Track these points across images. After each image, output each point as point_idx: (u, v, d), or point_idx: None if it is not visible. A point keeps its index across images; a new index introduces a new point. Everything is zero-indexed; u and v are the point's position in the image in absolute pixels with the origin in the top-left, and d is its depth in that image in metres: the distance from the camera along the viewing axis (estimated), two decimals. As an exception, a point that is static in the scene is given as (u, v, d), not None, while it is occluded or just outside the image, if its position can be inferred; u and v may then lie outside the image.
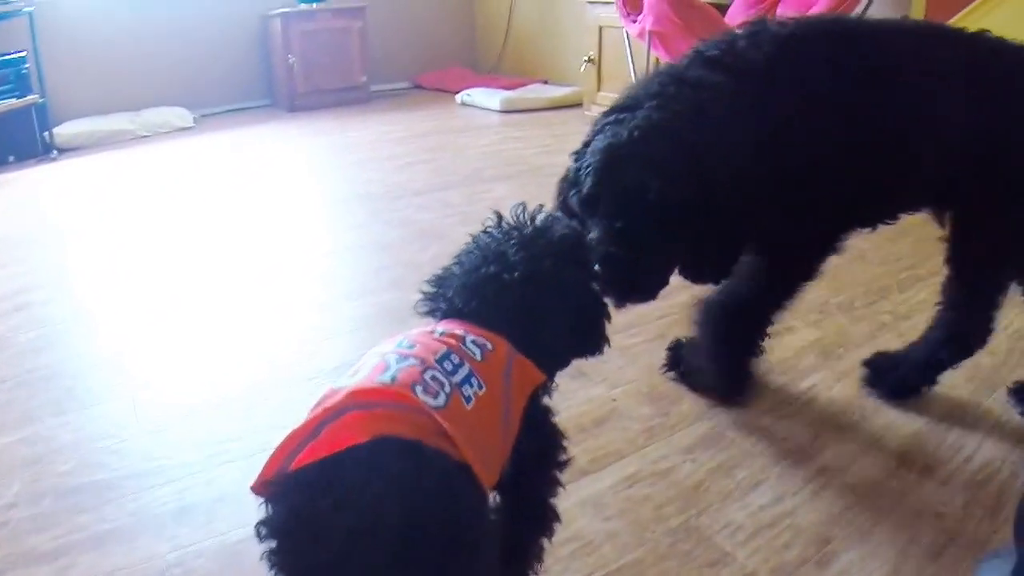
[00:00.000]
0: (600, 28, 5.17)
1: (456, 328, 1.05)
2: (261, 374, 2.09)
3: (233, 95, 6.30)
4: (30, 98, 4.99)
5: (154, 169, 4.70)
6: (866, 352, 1.96)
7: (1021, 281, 1.71)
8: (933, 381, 1.84)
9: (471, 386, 0.95)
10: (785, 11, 3.50)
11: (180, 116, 5.84)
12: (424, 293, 1.18)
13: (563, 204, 1.55)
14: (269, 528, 0.82)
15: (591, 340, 1.17)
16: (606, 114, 1.49)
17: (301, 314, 2.46)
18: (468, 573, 0.83)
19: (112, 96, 5.79)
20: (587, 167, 1.43)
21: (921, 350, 1.82)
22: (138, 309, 2.60)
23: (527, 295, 1.06)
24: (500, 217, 1.17)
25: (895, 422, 1.75)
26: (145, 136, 5.64)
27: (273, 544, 0.82)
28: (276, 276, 2.83)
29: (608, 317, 1.18)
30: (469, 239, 1.17)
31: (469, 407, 0.93)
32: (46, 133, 5.16)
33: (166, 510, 1.56)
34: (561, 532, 1.25)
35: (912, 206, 1.71)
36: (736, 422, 1.76)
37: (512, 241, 1.10)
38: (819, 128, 1.48)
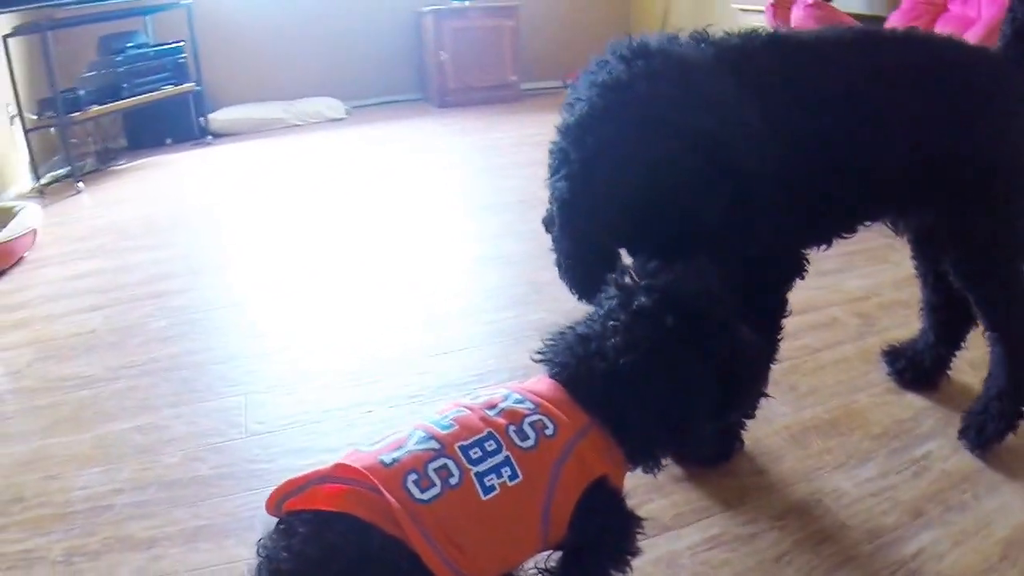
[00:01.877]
0: (749, 35, 5.07)
1: (537, 397, 1.09)
2: (366, 390, 2.19)
3: (385, 88, 6.60)
4: (187, 86, 5.42)
5: (304, 158, 5.01)
6: None
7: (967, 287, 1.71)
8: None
9: (499, 476, 0.99)
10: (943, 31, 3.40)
11: (332, 107, 6.16)
12: (540, 348, 1.20)
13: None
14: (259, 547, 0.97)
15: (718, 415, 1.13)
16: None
17: (415, 329, 2.56)
18: None
19: (266, 85, 6.19)
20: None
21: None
22: (264, 309, 2.80)
23: (616, 388, 1.06)
24: (626, 273, 1.16)
25: (1009, 504, 1.63)
26: (297, 125, 5.99)
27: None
28: (398, 286, 2.95)
29: (754, 385, 1.16)
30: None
31: (485, 497, 0.98)
32: (202, 119, 5.61)
33: (258, 515, 1.69)
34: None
35: (869, 216, 1.70)
36: (836, 490, 1.67)
37: (619, 317, 1.09)
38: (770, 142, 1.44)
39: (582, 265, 1.46)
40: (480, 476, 0.99)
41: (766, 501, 1.65)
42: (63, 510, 1.75)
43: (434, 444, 1.01)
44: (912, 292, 2.39)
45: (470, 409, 1.08)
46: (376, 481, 0.95)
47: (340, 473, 0.98)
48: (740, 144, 1.31)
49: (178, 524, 1.67)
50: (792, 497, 1.67)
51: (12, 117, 4.76)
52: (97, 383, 2.31)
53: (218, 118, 5.83)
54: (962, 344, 1.98)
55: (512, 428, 1.04)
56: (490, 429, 1.03)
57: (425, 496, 0.96)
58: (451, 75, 6.23)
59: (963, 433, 1.79)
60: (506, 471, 1.00)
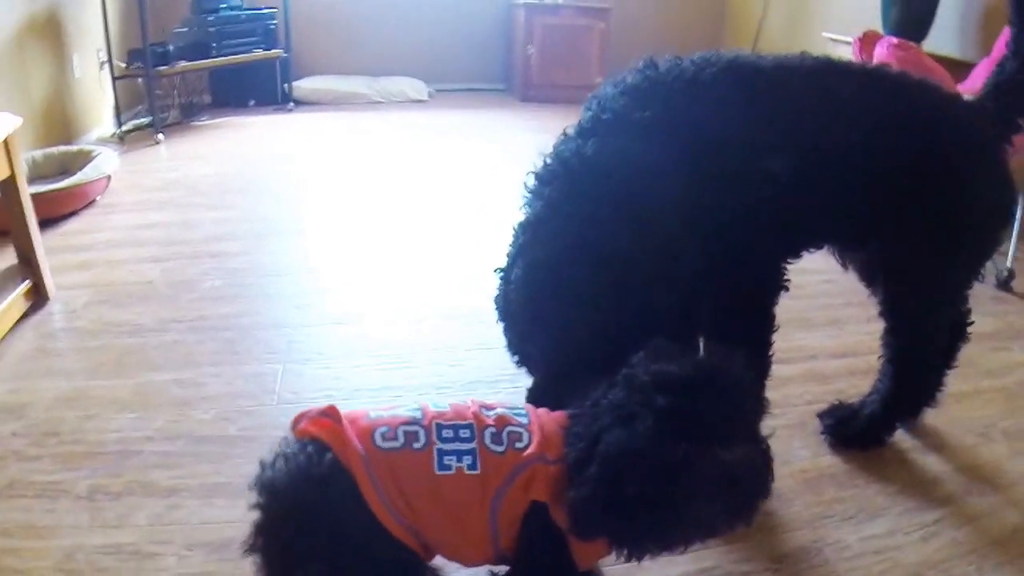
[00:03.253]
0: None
1: (538, 416, 1.17)
2: (400, 375, 2.27)
3: (470, 75, 6.71)
4: (275, 52, 5.59)
5: (381, 136, 5.14)
6: (1017, 493, 1.85)
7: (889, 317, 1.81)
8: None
9: (459, 460, 1.09)
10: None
11: (416, 88, 6.28)
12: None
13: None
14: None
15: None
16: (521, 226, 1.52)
17: (459, 320, 2.64)
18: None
19: (353, 59, 6.34)
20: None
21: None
22: (315, 281, 2.90)
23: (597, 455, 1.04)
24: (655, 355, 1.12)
25: None
26: (379, 102, 6.13)
27: None
28: (451, 275, 3.02)
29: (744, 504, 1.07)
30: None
31: (438, 472, 1.08)
32: (286, 85, 5.78)
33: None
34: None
35: (814, 242, 1.77)
36: (839, 542, 1.67)
37: (632, 400, 1.05)
38: (732, 167, 1.49)
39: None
40: (441, 452, 1.09)
41: (766, 541, 1.67)
42: (94, 449, 1.87)
43: (417, 415, 1.14)
44: (963, 352, 2.38)
45: (473, 402, 1.18)
46: (348, 427, 1.11)
47: (331, 412, 1.13)
48: (652, 262, 1.37)
49: (199, 478, 1.78)
50: (793, 542, 1.68)
51: (102, 63, 4.97)
52: (146, 332, 2.44)
53: (302, 86, 5.98)
54: (954, 364, 2.01)
55: (490, 431, 1.13)
56: (472, 422, 1.13)
57: (385, 445, 1.09)
58: (536, 70, 6.29)
59: (822, 417, 2.00)
60: (467, 459, 1.09)
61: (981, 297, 2.76)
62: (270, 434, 1.91)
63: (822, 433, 1.99)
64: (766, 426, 1.11)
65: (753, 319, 1.74)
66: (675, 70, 1.54)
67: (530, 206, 1.49)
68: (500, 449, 1.11)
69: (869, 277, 1.89)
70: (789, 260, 1.73)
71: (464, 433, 1.11)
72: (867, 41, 3.60)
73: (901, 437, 2.02)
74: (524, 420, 1.16)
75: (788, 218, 1.60)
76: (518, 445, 1.11)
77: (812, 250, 1.79)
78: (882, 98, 1.61)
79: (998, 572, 1.60)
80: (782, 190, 1.53)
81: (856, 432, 1.95)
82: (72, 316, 2.57)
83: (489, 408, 1.17)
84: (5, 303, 2.41)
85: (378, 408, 1.18)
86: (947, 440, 2.03)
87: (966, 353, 2.25)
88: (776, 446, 1.87)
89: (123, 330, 2.46)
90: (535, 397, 1.48)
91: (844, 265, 1.91)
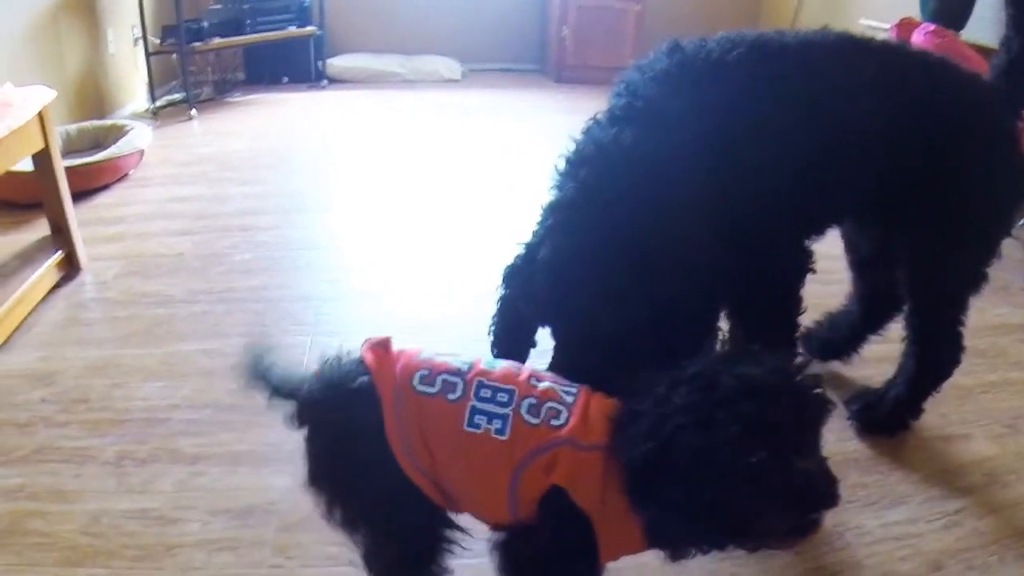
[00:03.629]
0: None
1: (587, 396, 1.14)
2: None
3: (503, 55, 6.69)
4: (308, 29, 5.62)
5: (414, 115, 5.14)
6: None
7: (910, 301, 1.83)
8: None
9: (489, 421, 1.09)
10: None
11: (449, 67, 6.28)
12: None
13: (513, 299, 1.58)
14: None
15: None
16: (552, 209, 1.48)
17: (488, 297, 2.59)
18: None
19: (387, 38, 6.34)
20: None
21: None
22: (345, 256, 2.93)
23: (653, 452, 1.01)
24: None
25: None
26: (412, 81, 6.14)
27: None
28: (480, 252, 3.01)
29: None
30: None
31: (466, 428, 1.09)
32: (320, 63, 5.80)
33: (297, 449, 1.79)
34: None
35: (837, 219, 1.82)
36: (861, 527, 1.66)
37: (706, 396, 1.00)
38: (769, 148, 1.49)
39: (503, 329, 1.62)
40: (474, 410, 1.09)
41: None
42: (121, 416, 1.91)
43: (463, 368, 1.14)
44: (991, 342, 2.38)
45: (525, 370, 1.17)
46: (396, 360, 1.14)
47: (384, 342, 1.19)
48: (682, 257, 1.35)
49: (224, 446, 1.81)
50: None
51: (136, 39, 5.02)
52: (176, 303, 2.48)
53: (336, 64, 6.01)
54: (880, 331, 2.12)
55: (530, 401, 1.11)
56: (515, 388, 1.12)
57: (420, 388, 1.11)
58: (571, 51, 6.26)
59: (849, 404, 2.00)
60: (497, 423, 1.09)
61: (1012, 288, 2.74)
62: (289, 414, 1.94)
63: (849, 419, 1.98)
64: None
65: (781, 302, 1.74)
66: (701, 53, 1.53)
67: (560, 188, 1.47)
68: (535, 421, 1.09)
69: (884, 257, 1.90)
70: (813, 237, 1.74)
71: (502, 397, 1.11)
72: (904, 28, 3.56)
73: (926, 425, 2.01)
74: (570, 399, 1.13)
75: (814, 197, 1.60)
76: (554, 422, 1.09)
77: (835, 226, 1.82)
78: (905, 76, 1.62)
79: (1021, 563, 1.59)
80: (809, 169, 1.53)
81: (883, 416, 1.95)
82: (103, 287, 2.61)
83: (540, 379, 1.15)
84: (37, 273, 2.45)
85: (436, 353, 1.19)
86: (973, 430, 2.02)
87: (995, 343, 2.23)
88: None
89: (153, 301, 2.49)
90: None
91: (853, 246, 1.97)
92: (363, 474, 1.13)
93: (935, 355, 1.87)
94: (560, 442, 1.08)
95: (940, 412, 2.05)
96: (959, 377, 2.17)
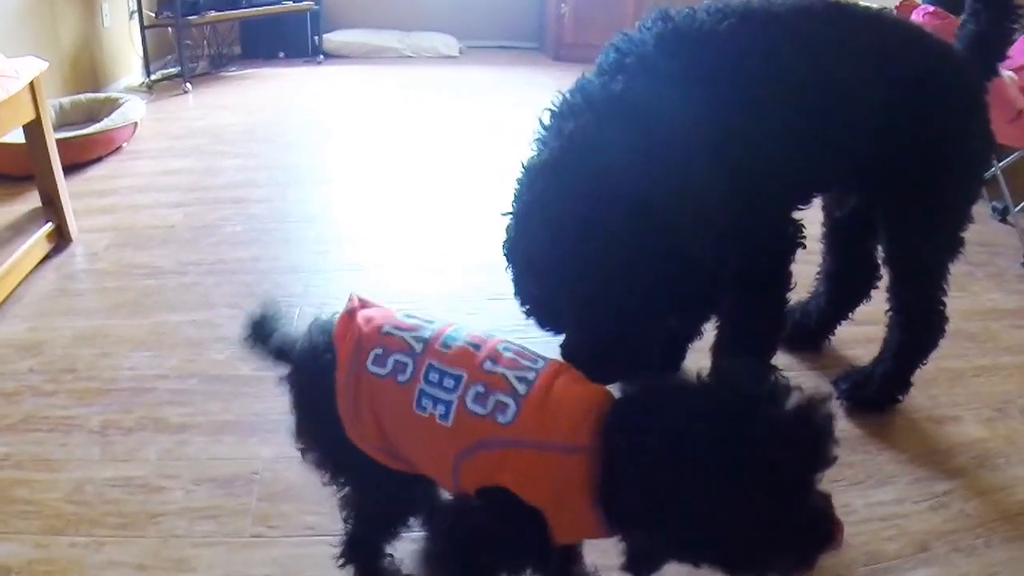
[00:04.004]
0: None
1: (530, 387, 1.06)
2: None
3: (501, 32, 6.66)
4: (305, 3, 5.58)
5: (410, 91, 5.12)
6: None
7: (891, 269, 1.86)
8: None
9: (434, 407, 1.07)
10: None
11: (447, 44, 6.26)
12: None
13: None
14: None
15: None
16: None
17: (477, 271, 2.60)
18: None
19: (384, 13, 6.31)
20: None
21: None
22: (335, 229, 2.92)
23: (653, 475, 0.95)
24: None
25: (1020, 560, 1.58)
26: (409, 57, 6.12)
27: None
28: (469, 227, 3.00)
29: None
30: None
31: (415, 409, 1.08)
32: (316, 38, 5.77)
33: (282, 420, 1.78)
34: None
35: (824, 188, 1.84)
36: (847, 505, 1.65)
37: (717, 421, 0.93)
38: (763, 118, 1.47)
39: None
40: (422, 393, 1.08)
41: (772, 500, 1.67)
42: (108, 386, 1.91)
43: (418, 348, 1.11)
44: (983, 327, 2.38)
45: (493, 346, 1.13)
46: (357, 333, 1.14)
47: (354, 307, 1.19)
48: (683, 218, 1.30)
49: (209, 416, 1.81)
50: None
51: (132, 13, 4.99)
52: (165, 275, 2.47)
53: (332, 39, 5.98)
54: (850, 315, 2.16)
55: (477, 390, 1.06)
56: (464, 374, 1.08)
57: (372, 368, 1.11)
58: (569, 29, 6.23)
59: (837, 383, 2.01)
60: (441, 408, 1.07)
61: (1006, 275, 2.75)
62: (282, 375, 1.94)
63: (838, 398, 1.98)
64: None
65: (771, 275, 1.71)
66: (693, 23, 1.50)
67: (545, 144, 1.41)
68: (480, 412, 1.05)
69: (862, 227, 1.96)
70: (800, 207, 1.74)
71: (449, 383, 1.08)
72: (904, 9, 3.56)
73: (915, 407, 2.01)
74: (523, 389, 1.06)
75: (806, 166, 1.60)
76: (500, 418, 1.04)
77: (819, 195, 1.83)
78: (891, 44, 1.64)
79: (1007, 546, 1.59)
80: (803, 139, 1.52)
81: (873, 393, 1.96)
82: (93, 258, 2.60)
83: (497, 360, 1.10)
84: (27, 244, 2.44)
85: (408, 316, 1.19)
86: (963, 412, 2.01)
87: (987, 328, 2.23)
88: (788, 409, 1.88)
89: (143, 272, 2.49)
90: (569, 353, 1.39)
91: (831, 217, 1.99)
92: (333, 438, 1.14)
93: (919, 325, 1.88)
94: (508, 443, 1.03)
95: (930, 394, 2.06)
96: (950, 360, 2.19)
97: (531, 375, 1.09)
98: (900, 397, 1.98)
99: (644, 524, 0.96)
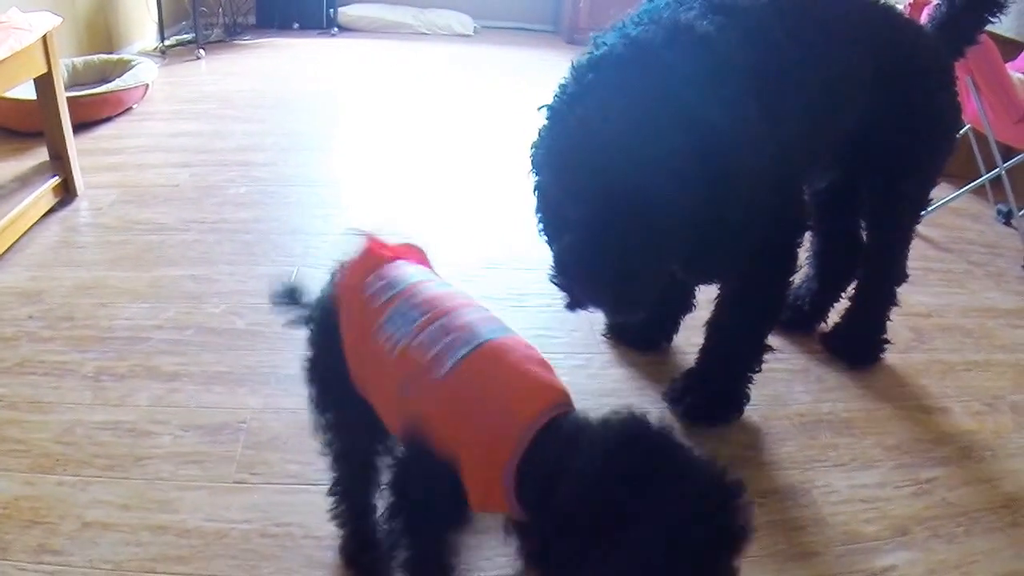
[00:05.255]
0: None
1: (507, 360, 1.01)
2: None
3: (517, 14, 6.64)
4: (323, -27, 5.56)
5: (422, 67, 5.11)
6: (1017, 465, 1.83)
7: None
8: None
9: (397, 338, 1.06)
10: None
11: (462, 22, 6.24)
12: None
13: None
14: None
15: None
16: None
17: (476, 241, 2.65)
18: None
19: (401, -12, 6.30)
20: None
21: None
22: (337, 194, 2.93)
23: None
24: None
25: (998, 551, 1.59)
26: (424, 34, 6.10)
27: None
28: (470, 201, 3.02)
29: None
30: None
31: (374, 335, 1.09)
32: (331, 10, 5.76)
33: (273, 372, 1.84)
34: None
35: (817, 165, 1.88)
36: (828, 485, 1.68)
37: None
38: (789, 92, 1.49)
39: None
40: (384, 323, 1.10)
41: (754, 476, 1.69)
42: (104, 334, 1.93)
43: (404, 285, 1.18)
44: (979, 324, 2.39)
45: (458, 298, 1.15)
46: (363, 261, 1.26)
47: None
48: (738, 144, 1.28)
49: (202, 366, 1.84)
50: (781, 480, 1.69)
51: (148, -24, 4.99)
52: (168, 231, 2.49)
53: (348, 12, 5.98)
54: (841, 295, 2.23)
55: (432, 335, 1.04)
56: (430, 316, 1.07)
57: (368, 289, 1.18)
58: (585, 13, 6.21)
59: (832, 342, 2.17)
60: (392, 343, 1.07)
61: (1007, 275, 2.75)
62: (276, 330, 1.95)
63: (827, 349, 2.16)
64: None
65: (780, 254, 1.69)
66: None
67: (606, 42, 1.33)
68: (430, 353, 1.02)
69: (843, 202, 2.07)
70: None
71: (413, 315, 1.09)
72: (917, 6, 3.56)
73: (905, 394, 2.03)
74: (464, 351, 1.01)
75: (818, 141, 1.68)
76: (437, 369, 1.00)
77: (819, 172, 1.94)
78: (873, 24, 1.72)
79: (987, 537, 1.60)
80: (817, 115, 1.58)
81: (855, 344, 2.14)
82: (98, 213, 2.62)
83: (467, 306, 1.12)
84: (33, 196, 2.46)
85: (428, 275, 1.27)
86: (953, 404, 2.03)
87: (983, 325, 2.23)
88: (777, 388, 1.91)
89: (146, 228, 2.50)
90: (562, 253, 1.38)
91: (813, 196, 2.06)
92: (335, 374, 1.16)
93: (887, 272, 2.06)
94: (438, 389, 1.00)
95: (920, 384, 2.07)
96: (943, 354, 2.21)
97: (473, 346, 1.03)
98: (880, 355, 2.15)
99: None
